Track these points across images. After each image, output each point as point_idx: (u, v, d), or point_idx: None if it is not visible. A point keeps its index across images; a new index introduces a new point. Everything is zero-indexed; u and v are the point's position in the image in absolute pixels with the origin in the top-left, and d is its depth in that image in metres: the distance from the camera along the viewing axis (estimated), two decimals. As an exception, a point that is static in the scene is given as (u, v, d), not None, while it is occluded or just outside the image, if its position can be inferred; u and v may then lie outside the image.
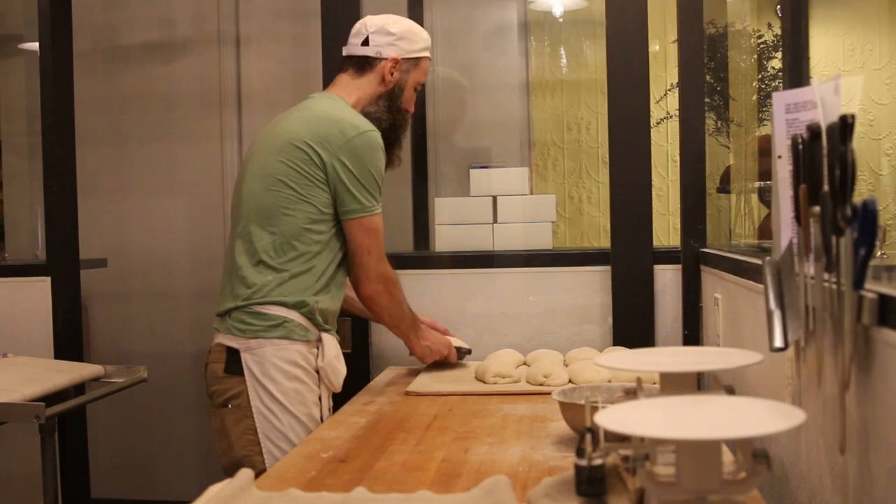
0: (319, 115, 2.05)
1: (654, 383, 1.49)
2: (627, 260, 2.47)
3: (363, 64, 2.15)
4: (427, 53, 2.20)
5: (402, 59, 2.14)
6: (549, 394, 1.79)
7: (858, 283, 0.96)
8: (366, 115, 2.10)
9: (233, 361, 1.97)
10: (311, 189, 2.00)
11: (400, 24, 2.18)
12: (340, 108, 2.07)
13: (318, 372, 2.02)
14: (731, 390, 1.14)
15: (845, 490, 1.08)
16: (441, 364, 2.33)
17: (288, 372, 1.96)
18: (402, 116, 2.18)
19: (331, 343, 2.03)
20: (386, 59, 2.14)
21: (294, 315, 1.98)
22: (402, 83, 2.15)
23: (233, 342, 1.97)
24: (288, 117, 2.11)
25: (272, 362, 1.95)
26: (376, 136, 2.03)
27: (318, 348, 2.02)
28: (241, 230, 2.04)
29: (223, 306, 2.02)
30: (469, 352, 2.40)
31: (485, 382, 2.13)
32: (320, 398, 2.03)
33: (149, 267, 3.62)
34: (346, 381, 2.08)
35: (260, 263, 1.99)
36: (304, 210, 2.00)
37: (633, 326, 2.46)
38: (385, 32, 2.14)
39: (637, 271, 2.47)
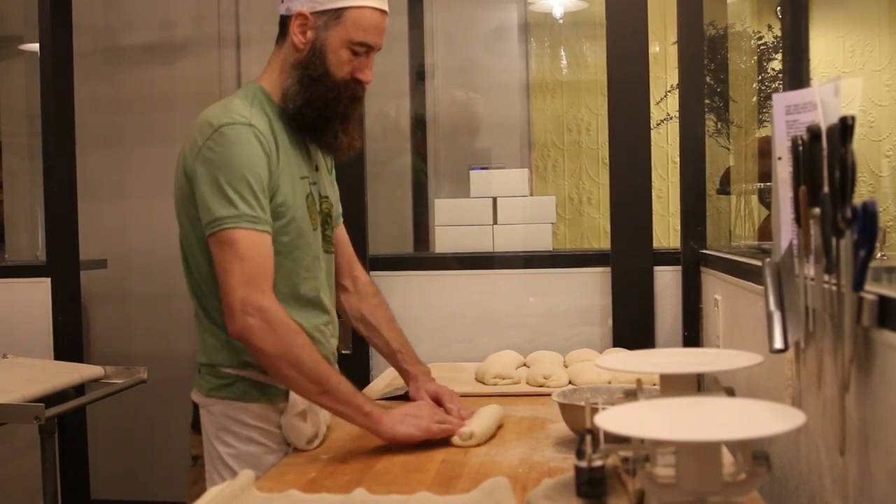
0: (193, 126, 1.65)
1: (654, 385, 1.49)
2: (627, 261, 2.47)
3: (281, 28, 1.71)
4: (356, 2, 1.64)
5: (313, 12, 1.64)
6: (549, 395, 1.79)
7: (858, 284, 0.96)
8: (285, 94, 1.69)
9: (196, 418, 1.71)
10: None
11: None
12: (221, 105, 1.65)
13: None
14: (731, 392, 1.14)
15: (845, 491, 1.08)
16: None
17: (239, 434, 1.65)
18: (324, 87, 1.66)
19: (298, 397, 1.63)
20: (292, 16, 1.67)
21: (247, 372, 1.65)
22: (321, 44, 1.64)
23: (196, 397, 1.71)
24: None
25: (221, 424, 1.66)
26: (235, 129, 1.57)
27: (285, 402, 1.66)
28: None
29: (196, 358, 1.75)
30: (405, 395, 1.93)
31: (485, 384, 2.13)
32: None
33: (149, 268, 3.61)
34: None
35: (200, 321, 1.70)
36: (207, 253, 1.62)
37: (632, 328, 2.45)
38: None
39: (637, 273, 2.46)
